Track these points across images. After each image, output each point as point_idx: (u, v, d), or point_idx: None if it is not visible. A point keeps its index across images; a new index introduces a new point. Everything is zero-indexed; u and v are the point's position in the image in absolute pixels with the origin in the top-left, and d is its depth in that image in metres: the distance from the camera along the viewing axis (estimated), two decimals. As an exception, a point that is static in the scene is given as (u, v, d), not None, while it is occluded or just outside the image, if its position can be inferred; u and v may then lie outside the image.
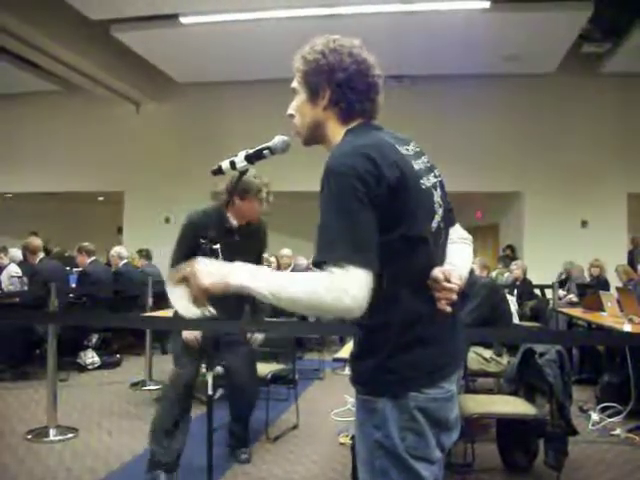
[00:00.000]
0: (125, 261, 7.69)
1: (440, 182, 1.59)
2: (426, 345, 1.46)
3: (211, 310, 1.54)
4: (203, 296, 1.44)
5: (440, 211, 1.54)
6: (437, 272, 1.45)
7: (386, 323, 1.43)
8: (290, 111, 1.63)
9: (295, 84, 1.60)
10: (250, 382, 3.80)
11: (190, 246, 3.75)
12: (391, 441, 1.42)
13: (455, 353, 1.56)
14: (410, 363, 1.44)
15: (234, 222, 3.75)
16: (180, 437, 3.37)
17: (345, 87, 1.52)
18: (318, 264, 1.34)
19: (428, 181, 1.52)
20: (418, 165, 1.52)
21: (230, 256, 3.78)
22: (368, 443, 1.46)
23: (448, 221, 1.61)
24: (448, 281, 1.45)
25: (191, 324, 4.50)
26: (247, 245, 3.75)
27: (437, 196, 1.54)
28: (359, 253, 1.32)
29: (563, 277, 8.62)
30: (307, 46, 1.58)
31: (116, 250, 7.75)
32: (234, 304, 3.81)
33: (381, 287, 1.42)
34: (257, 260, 3.85)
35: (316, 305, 1.33)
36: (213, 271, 1.43)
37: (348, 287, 1.29)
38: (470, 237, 1.73)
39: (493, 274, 7.89)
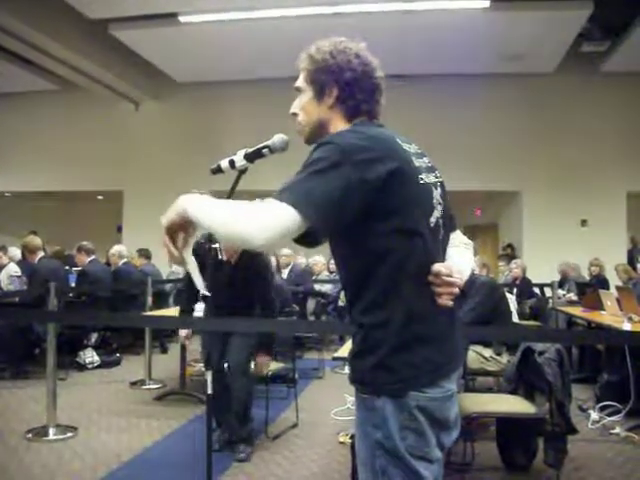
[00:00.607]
0: (125, 260, 7.68)
1: (441, 183, 1.60)
2: (426, 343, 1.45)
3: (190, 262, 1.56)
4: (169, 239, 1.48)
5: (439, 208, 1.54)
6: (438, 266, 1.46)
7: (386, 321, 1.43)
8: (294, 109, 1.64)
9: (300, 83, 1.62)
10: (237, 375, 3.80)
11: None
12: (391, 440, 1.42)
13: (455, 352, 1.56)
14: (410, 362, 1.44)
15: (224, 256, 3.91)
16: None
17: (353, 87, 1.55)
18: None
19: (428, 178, 1.53)
20: (419, 163, 1.52)
21: (222, 289, 3.92)
22: (368, 442, 1.46)
23: (449, 223, 1.61)
24: (449, 275, 1.45)
25: (191, 323, 4.52)
26: (239, 278, 3.91)
27: (437, 194, 1.55)
28: (302, 200, 1.31)
29: (559, 278, 8.60)
30: (313, 46, 1.60)
31: (116, 249, 7.75)
32: (244, 304, 3.90)
33: (380, 284, 1.43)
34: (253, 297, 3.94)
35: (232, 217, 1.33)
36: (169, 212, 1.49)
37: (272, 216, 1.30)
38: (471, 243, 1.74)
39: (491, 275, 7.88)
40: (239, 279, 3.92)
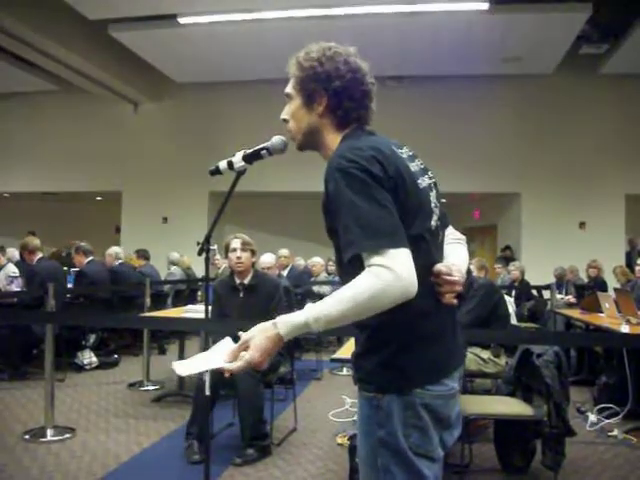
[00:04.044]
0: (120, 260, 7.68)
1: (435, 183, 1.61)
2: (430, 342, 1.47)
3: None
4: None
5: (437, 210, 1.56)
6: (440, 266, 1.48)
7: (391, 321, 1.44)
8: (284, 116, 1.64)
9: (290, 89, 1.61)
10: (243, 377, 3.79)
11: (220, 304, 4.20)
12: (395, 438, 1.43)
13: (456, 350, 1.58)
14: (415, 360, 1.45)
15: (237, 280, 4.21)
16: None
17: (342, 95, 1.54)
18: (355, 258, 1.35)
19: (424, 182, 1.55)
20: (414, 167, 1.54)
21: (238, 312, 4.02)
22: (371, 440, 1.47)
23: (444, 222, 1.63)
24: (450, 274, 1.47)
25: (189, 325, 4.52)
26: (252, 302, 4.11)
27: (433, 196, 1.57)
28: (394, 235, 1.33)
29: (555, 281, 8.62)
30: (302, 52, 1.59)
31: (113, 249, 7.77)
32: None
33: None
34: (266, 317, 4.00)
35: (375, 305, 1.32)
36: (257, 343, 1.40)
37: (396, 271, 1.30)
38: (464, 237, 1.76)
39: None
40: (251, 305, 4.08)
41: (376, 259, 1.31)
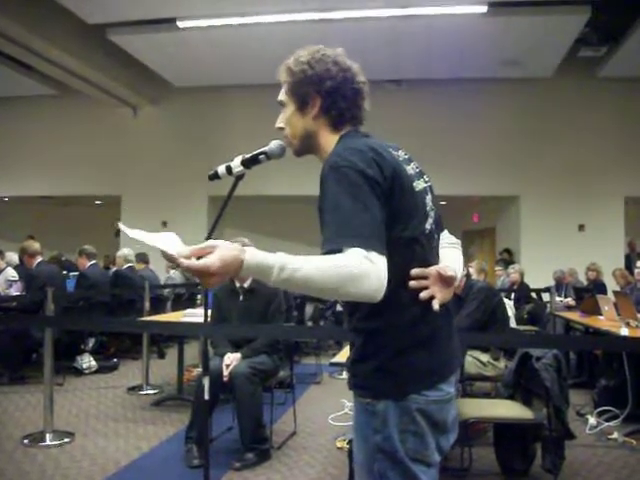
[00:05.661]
0: (130, 264, 7.67)
1: (430, 187, 1.62)
2: (426, 347, 1.47)
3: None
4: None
5: (432, 214, 1.57)
6: (431, 269, 1.47)
7: (386, 326, 1.45)
8: (279, 124, 1.64)
9: (282, 96, 1.62)
10: (242, 382, 3.79)
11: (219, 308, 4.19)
12: (391, 444, 1.43)
13: (452, 355, 1.57)
14: (411, 365, 1.45)
15: (237, 283, 4.18)
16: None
17: (335, 95, 1.55)
18: (332, 252, 1.30)
19: (419, 185, 1.55)
20: (410, 170, 1.54)
21: (237, 316, 4.02)
22: (368, 446, 1.47)
23: (439, 225, 1.63)
24: (442, 275, 1.47)
25: (191, 329, 4.52)
26: (252, 305, 4.13)
27: (428, 199, 1.57)
28: (374, 240, 1.31)
29: (554, 284, 8.62)
30: (291, 58, 1.60)
31: (124, 252, 7.77)
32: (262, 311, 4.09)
33: None
34: (265, 321, 4.12)
35: (341, 284, 1.25)
36: (224, 254, 1.26)
37: (378, 269, 1.27)
38: (459, 242, 1.75)
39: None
40: (251, 309, 4.10)
41: (359, 250, 1.27)
